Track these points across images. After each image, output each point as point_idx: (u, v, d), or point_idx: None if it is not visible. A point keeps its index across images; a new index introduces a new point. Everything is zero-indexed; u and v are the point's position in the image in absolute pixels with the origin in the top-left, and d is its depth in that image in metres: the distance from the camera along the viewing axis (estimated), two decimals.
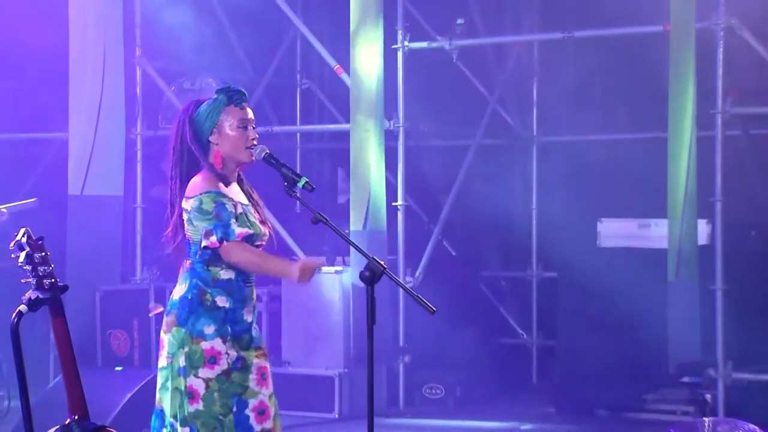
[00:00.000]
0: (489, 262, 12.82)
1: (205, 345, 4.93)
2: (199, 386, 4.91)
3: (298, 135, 13.27)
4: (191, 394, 4.91)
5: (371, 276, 4.65)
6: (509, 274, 12.79)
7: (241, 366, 4.99)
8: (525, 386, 11.65)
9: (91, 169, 10.91)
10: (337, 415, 10.31)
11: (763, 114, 10.71)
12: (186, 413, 4.91)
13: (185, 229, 5.03)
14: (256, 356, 5.04)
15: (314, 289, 10.47)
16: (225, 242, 4.93)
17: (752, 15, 10.07)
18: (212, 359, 4.93)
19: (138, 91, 11.65)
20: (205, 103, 5.11)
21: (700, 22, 9.96)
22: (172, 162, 5.10)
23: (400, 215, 11.05)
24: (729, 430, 5.66)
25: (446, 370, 11.05)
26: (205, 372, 4.92)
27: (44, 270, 4.62)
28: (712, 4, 10.01)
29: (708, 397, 10.05)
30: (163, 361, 5.01)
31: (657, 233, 10.27)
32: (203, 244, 4.95)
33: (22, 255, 4.62)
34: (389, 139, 10.93)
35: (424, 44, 11.46)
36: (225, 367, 4.94)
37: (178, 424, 4.92)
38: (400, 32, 11.14)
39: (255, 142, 5.07)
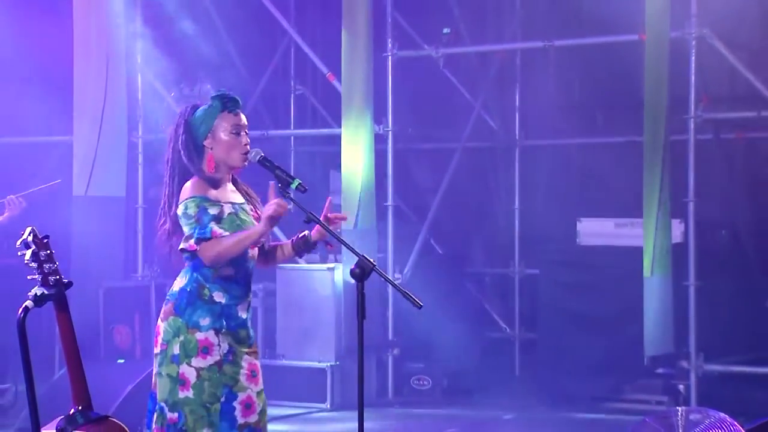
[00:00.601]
0: (474, 259, 12.86)
1: (199, 336, 4.92)
2: (191, 374, 4.90)
3: (292, 138, 13.24)
4: (182, 382, 4.90)
5: (361, 273, 4.66)
6: (493, 271, 12.81)
7: (233, 359, 4.96)
8: (508, 378, 11.60)
9: (95, 170, 10.96)
10: (329, 406, 10.48)
11: (733, 119, 10.90)
12: (176, 399, 4.91)
13: (183, 231, 5.00)
14: (248, 353, 5.02)
15: (308, 286, 10.66)
16: (202, 243, 4.88)
17: (723, 25, 10.27)
18: (205, 349, 4.92)
19: (139, 96, 11.72)
20: (200, 108, 5.07)
21: (674, 31, 10.08)
22: (169, 162, 5.07)
23: (389, 215, 11.20)
24: (700, 419, 5.58)
25: (433, 363, 11.16)
26: (197, 361, 4.91)
27: (49, 267, 4.61)
28: (685, 15, 10.14)
29: (681, 387, 10.18)
30: (157, 348, 5.00)
31: (633, 232, 10.38)
32: (181, 246, 4.96)
33: (29, 253, 4.60)
34: (379, 142, 11.04)
35: (412, 52, 11.63)
36: (217, 358, 4.93)
37: (167, 408, 4.93)
38: (389, 41, 11.29)
39: (248, 147, 5.02)
